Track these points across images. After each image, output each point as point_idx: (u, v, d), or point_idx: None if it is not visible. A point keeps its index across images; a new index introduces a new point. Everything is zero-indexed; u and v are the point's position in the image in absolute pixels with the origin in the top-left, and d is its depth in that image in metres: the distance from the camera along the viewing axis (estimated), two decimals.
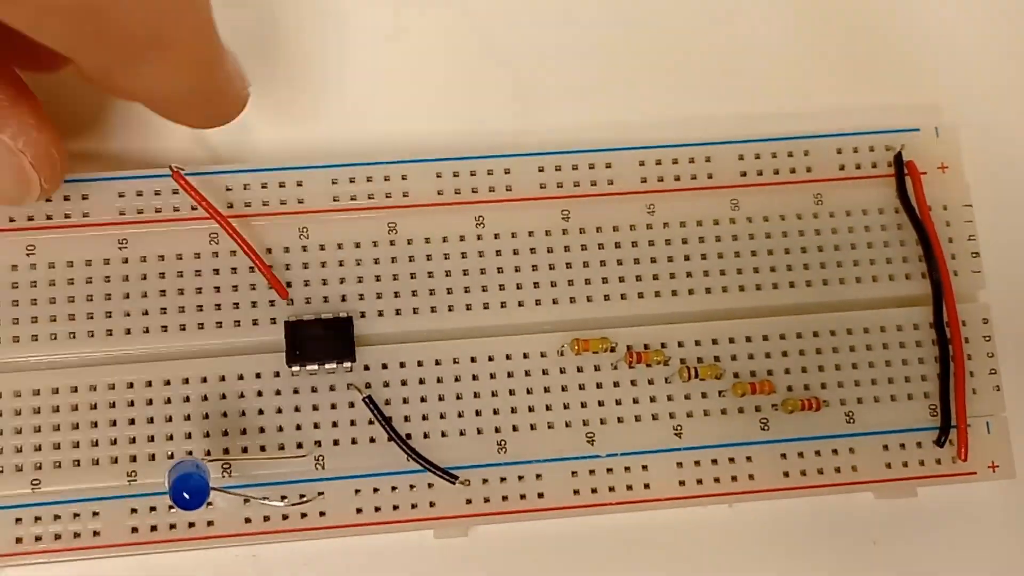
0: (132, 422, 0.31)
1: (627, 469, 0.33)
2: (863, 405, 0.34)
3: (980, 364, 0.34)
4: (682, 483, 0.33)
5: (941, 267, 0.34)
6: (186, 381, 0.31)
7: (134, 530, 0.31)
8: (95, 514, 0.31)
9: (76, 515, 0.31)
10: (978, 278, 0.35)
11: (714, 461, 0.33)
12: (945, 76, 0.37)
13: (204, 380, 0.31)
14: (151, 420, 0.31)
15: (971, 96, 0.37)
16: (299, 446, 0.31)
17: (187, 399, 0.31)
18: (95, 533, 0.31)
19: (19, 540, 0.30)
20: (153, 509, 0.31)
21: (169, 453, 0.31)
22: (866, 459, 0.33)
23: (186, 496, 0.27)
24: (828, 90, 0.37)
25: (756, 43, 0.37)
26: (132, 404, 0.31)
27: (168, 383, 0.31)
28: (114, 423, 0.31)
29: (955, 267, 0.35)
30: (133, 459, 0.31)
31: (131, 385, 0.31)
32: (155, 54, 0.24)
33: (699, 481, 0.33)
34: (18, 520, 0.30)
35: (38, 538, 0.30)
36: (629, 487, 0.32)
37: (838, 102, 0.37)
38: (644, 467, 0.33)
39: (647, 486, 0.33)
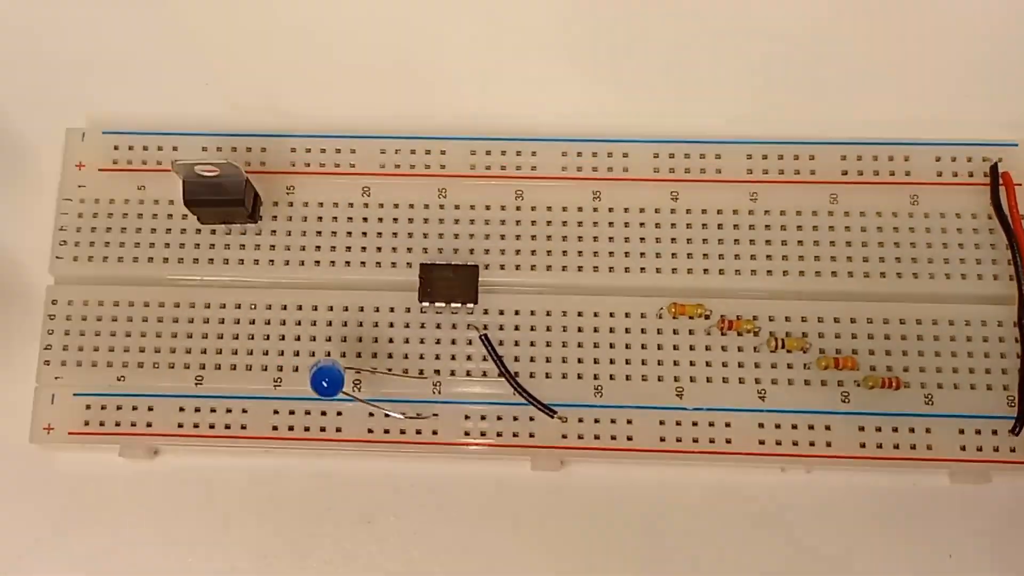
0: (282, 338, 0.36)
1: (711, 424, 0.36)
2: (943, 390, 0.36)
3: None
4: (762, 442, 0.35)
5: None
6: (331, 308, 0.36)
7: (275, 428, 0.36)
8: (244, 411, 0.36)
9: (228, 410, 0.36)
10: None
11: (794, 426, 0.36)
12: None
13: (346, 309, 0.36)
14: (298, 338, 0.36)
15: None
16: (421, 372, 0.36)
17: (330, 323, 0.36)
18: (243, 427, 0.36)
19: (180, 425, 0.36)
20: (292, 412, 0.36)
21: (310, 367, 0.36)
22: (942, 439, 0.35)
23: (325, 384, 0.32)
24: (932, 100, 0.39)
25: (866, 52, 0.40)
26: (284, 323, 0.36)
27: (316, 308, 0.36)
28: (267, 337, 0.36)
29: None
30: (280, 368, 0.36)
31: (284, 307, 0.37)
32: None
33: (778, 443, 0.35)
34: (181, 409, 0.36)
35: (196, 425, 0.35)
36: (712, 440, 0.35)
37: (941, 113, 0.39)
38: (727, 424, 0.36)
39: (728, 441, 0.35)
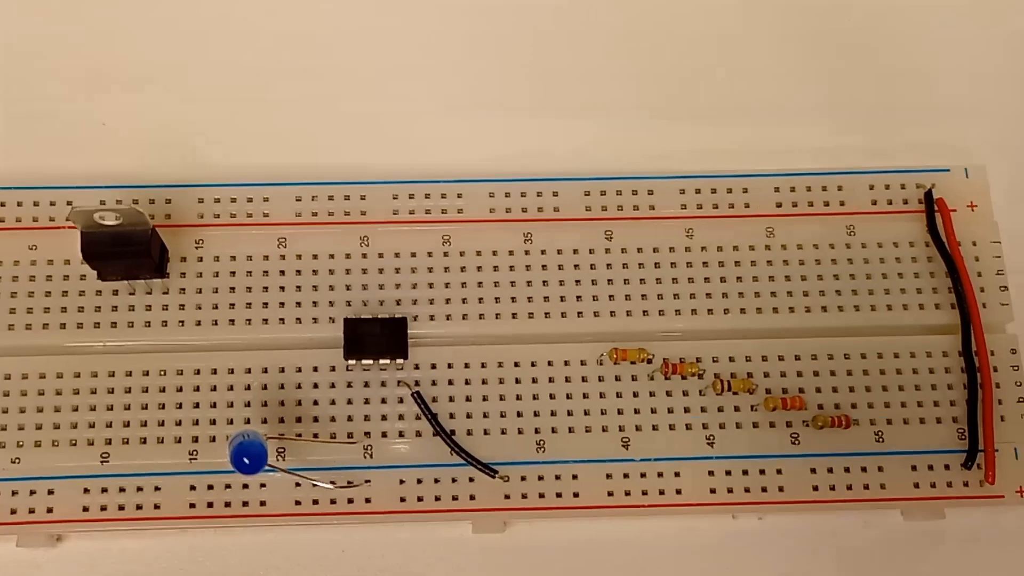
0: (196, 406, 0.33)
1: (660, 475, 0.34)
2: (892, 426, 0.35)
3: (1008, 392, 0.35)
4: (713, 491, 0.34)
5: (969, 298, 0.36)
6: (248, 371, 0.34)
7: (192, 505, 0.33)
8: (157, 488, 0.33)
9: (139, 488, 0.33)
10: (1006, 311, 0.36)
11: (745, 472, 0.34)
12: (973, 118, 0.39)
13: (265, 371, 0.34)
14: (214, 405, 0.33)
15: (999, 138, 0.39)
16: (350, 435, 0.33)
17: (248, 387, 0.34)
18: (156, 506, 0.33)
19: (85, 509, 0.32)
20: (211, 487, 0.33)
21: (228, 436, 0.33)
22: (894, 477, 0.34)
23: (246, 461, 0.29)
24: (861, 129, 0.39)
25: (795, 82, 0.39)
26: (198, 389, 0.34)
27: (231, 371, 0.34)
28: (180, 406, 0.33)
29: (984, 299, 0.36)
30: (195, 439, 0.33)
31: (197, 372, 0.34)
32: None
33: (730, 490, 0.34)
34: (86, 490, 0.33)
35: (103, 508, 0.32)
36: (661, 492, 0.34)
37: (870, 141, 0.39)
38: (676, 473, 0.34)
39: (679, 491, 0.34)
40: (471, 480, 0.33)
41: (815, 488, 0.34)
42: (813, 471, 0.34)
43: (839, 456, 0.35)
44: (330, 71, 0.38)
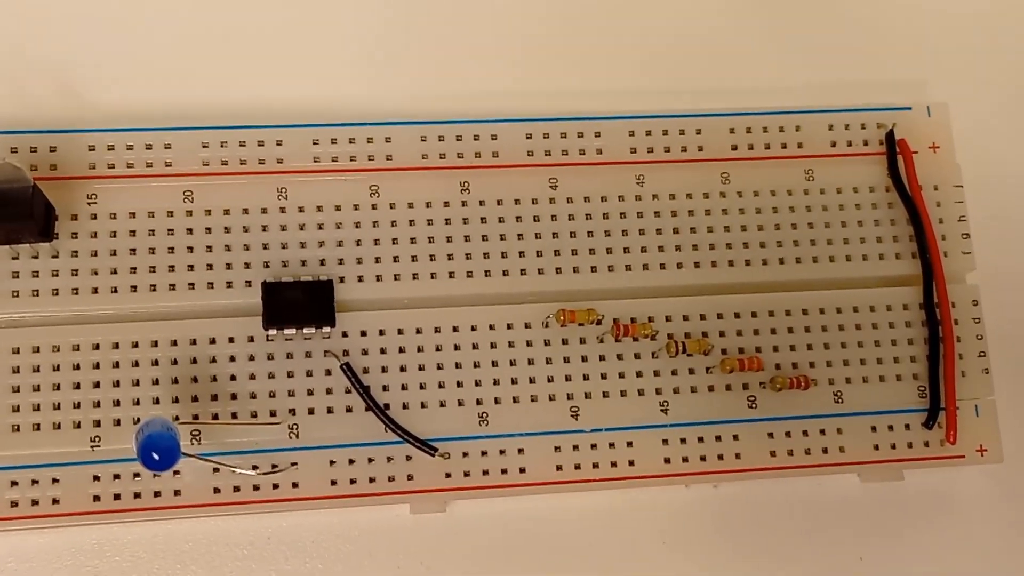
0: (97, 385, 0.30)
1: (611, 445, 0.32)
2: (851, 385, 0.33)
3: (969, 346, 0.34)
4: (667, 460, 0.32)
5: (932, 248, 0.34)
6: (155, 344, 0.30)
7: (96, 498, 0.29)
8: (55, 481, 0.29)
9: (35, 481, 0.29)
10: (968, 259, 0.34)
11: (700, 439, 0.32)
12: (934, 52, 0.37)
13: (174, 343, 0.30)
14: (117, 384, 0.30)
15: (961, 74, 0.36)
16: (273, 414, 0.30)
17: (155, 362, 0.30)
18: (54, 501, 0.29)
19: None
20: (117, 477, 0.29)
21: (135, 419, 0.29)
22: (854, 440, 0.33)
23: (155, 456, 0.26)
24: (820, 65, 0.36)
25: (749, 15, 0.36)
26: (97, 366, 0.30)
27: (136, 345, 0.30)
28: (77, 386, 0.30)
29: (945, 248, 0.34)
30: (97, 424, 0.29)
31: (96, 347, 0.30)
32: None
33: (685, 459, 0.32)
34: None
35: None
36: (613, 464, 0.32)
37: (830, 78, 0.36)
38: (629, 443, 0.32)
39: (632, 463, 0.32)
40: (408, 458, 0.31)
41: (772, 454, 0.33)
42: (771, 436, 0.33)
43: (797, 419, 0.33)
44: (233, 4, 0.33)
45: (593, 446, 0.31)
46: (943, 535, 0.34)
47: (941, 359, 0.33)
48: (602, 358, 0.32)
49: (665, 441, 0.32)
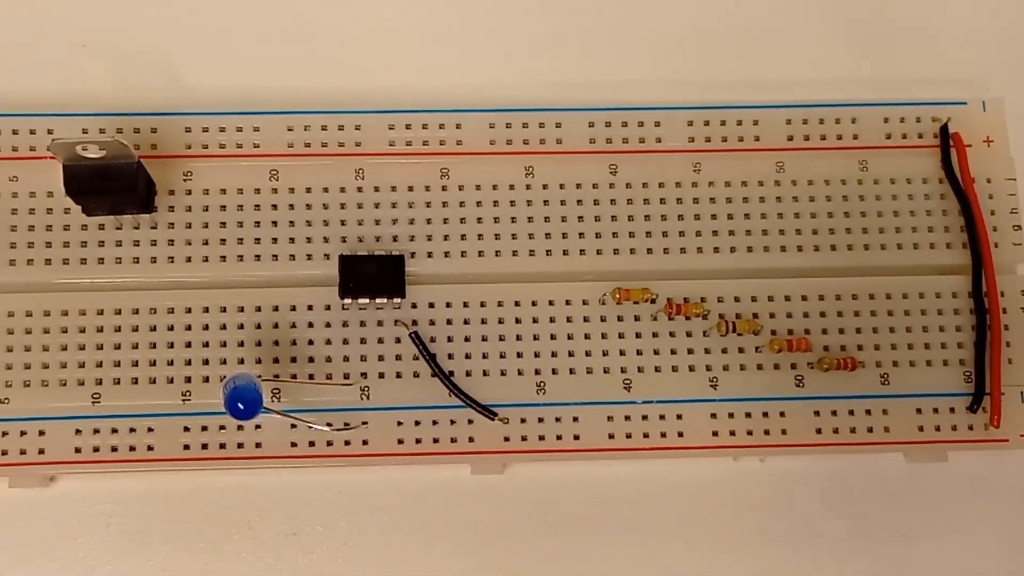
0: (188, 345, 0.32)
1: (662, 417, 0.33)
2: (898, 368, 0.34)
3: (1017, 335, 0.35)
4: (715, 434, 0.33)
5: (982, 238, 0.35)
6: (241, 309, 0.33)
7: (186, 447, 0.32)
8: (150, 430, 0.32)
9: (132, 430, 0.32)
10: (1019, 251, 0.35)
11: (748, 414, 0.34)
12: (992, 51, 0.37)
13: (258, 309, 0.33)
14: (206, 344, 0.32)
15: (1017, 71, 0.37)
16: (346, 377, 0.32)
17: (241, 326, 0.33)
18: (149, 448, 0.32)
19: (77, 450, 0.32)
20: (205, 428, 0.32)
21: (222, 377, 0.32)
22: (899, 421, 0.34)
23: (240, 406, 0.29)
24: (878, 61, 0.37)
25: (809, 9, 0.37)
26: (189, 328, 0.33)
27: (224, 310, 0.33)
28: (171, 345, 0.32)
29: (996, 239, 0.35)
30: (188, 380, 0.32)
31: (189, 310, 0.33)
32: None
33: (732, 433, 0.33)
34: (78, 431, 0.32)
35: (96, 449, 0.32)
36: (663, 434, 0.33)
37: (887, 74, 0.37)
38: (679, 416, 0.33)
39: (681, 434, 0.33)
40: (470, 422, 0.33)
41: (818, 431, 0.34)
42: (817, 414, 0.34)
43: (843, 399, 0.34)
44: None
45: (644, 417, 0.33)
46: (985, 516, 0.34)
47: (988, 346, 0.34)
48: (655, 335, 0.34)
49: (713, 415, 0.33)
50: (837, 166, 0.35)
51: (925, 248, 0.35)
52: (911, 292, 0.35)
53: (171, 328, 0.32)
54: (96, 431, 0.32)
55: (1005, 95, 0.36)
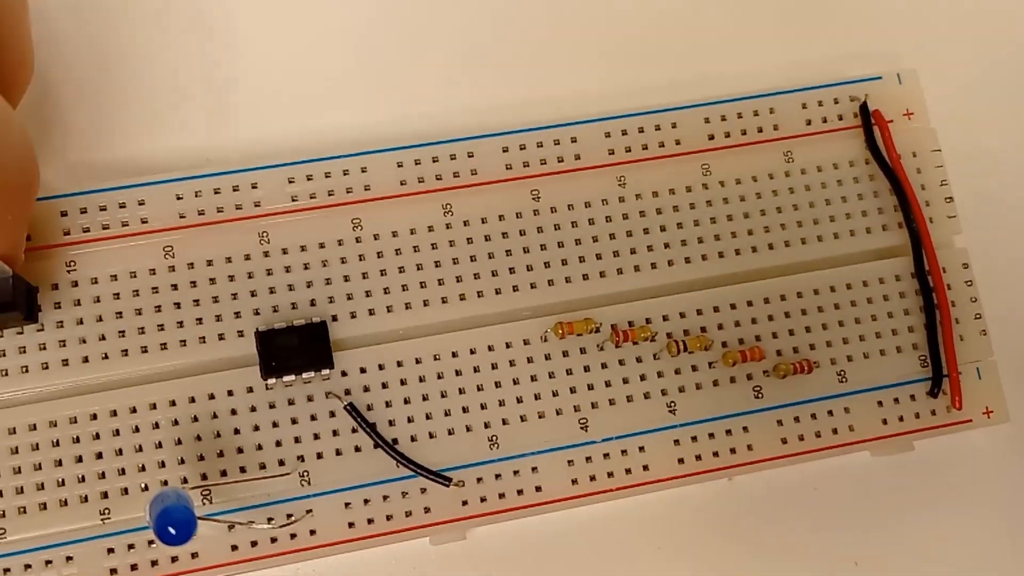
0: (99, 456, 0.29)
1: (624, 452, 0.31)
2: (853, 363, 0.33)
3: (965, 310, 0.34)
4: (681, 461, 0.32)
5: (917, 215, 0.34)
6: (153, 406, 0.29)
7: (113, 572, 0.29)
8: (69, 559, 0.29)
9: (48, 562, 0.28)
10: (953, 223, 0.34)
11: (711, 435, 0.32)
12: (900, 20, 0.36)
13: (173, 403, 0.30)
14: (120, 452, 0.29)
15: (928, 39, 0.36)
16: (281, 463, 0.30)
17: (156, 425, 0.29)
18: None
19: None
20: (132, 547, 0.29)
21: (143, 485, 0.29)
22: (862, 417, 0.33)
23: (172, 531, 0.25)
24: (784, 44, 0.36)
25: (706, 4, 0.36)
26: (97, 437, 0.29)
27: (134, 410, 0.29)
28: (80, 459, 0.29)
29: (930, 214, 0.34)
30: (104, 495, 0.29)
31: (94, 416, 0.29)
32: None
33: (698, 457, 0.32)
34: None
35: None
36: (628, 471, 0.31)
37: (796, 56, 0.36)
38: (641, 448, 0.32)
39: (646, 468, 0.32)
40: (423, 491, 0.30)
41: (784, 441, 0.32)
42: (780, 423, 0.32)
43: (804, 404, 0.33)
44: (203, 50, 0.32)
45: (606, 455, 0.31)
46: (958, 498, 0.34)
47: (938, 326, 0.33)
48: (604, 366, 0.32)
49: (676, 442, 0.32)
50: (762, 161, 0.34)
51: (862, 234, 0.34)
52: (854, 282, 0.34)
53: (76, 440, 0.29)
54: (7, 571, 0.28)
55: (917, 65, 0.35)
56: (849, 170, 0.34)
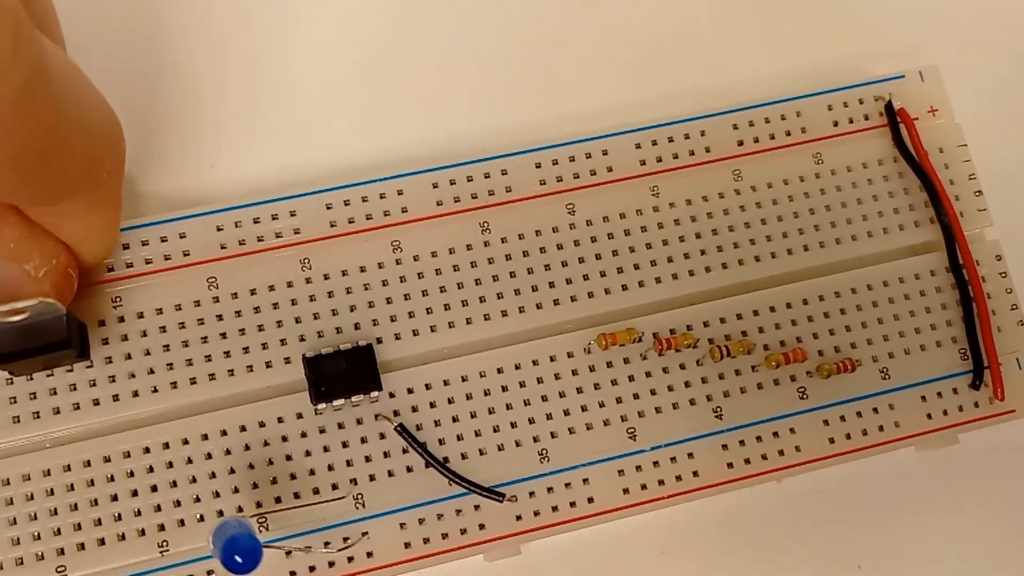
0: (154, 489, 0.29)
1: (673, 460, 0.32)
2: (895, 359, 0.33)
3: (1001, 301, 0.34)
4: (730, 465, 0.32)
5: (948, 210, 0.34)
6: (205, 437, 0.30)
7: None
8: None
9: None
10: (984, 216, 0.35)
11: (759, 438, 0.32)
12: (917, 17, 0.37)
13: (224, 433, 0.30)
14: (174, 484, 0.29)
15: (948, 35, 0.37)
16: (334, 487, 0.30)
17: (209, 456, 0.29)
18: None
19: None
20: None
21: (199, 516, 0.29)
22: (907, 413, 0.33)
23: (239, 560, 0.25)
24: (807, 47, 0.36)
25: (730, 7, 0.36)
26: (151, 470, 0.29)
27: (186, 442, 0.29)
28: (135, 492, 0.29)
29: (960, 208, 0.34)
30: (162, 528, 0.29)
31: (147, 450, 0.29)
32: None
33: (747, 461, 0.32)
34: None
35: None
36: (678, 478, 0.31)
37: (819, 58, 0.36)
38: (690, 455, 0.32)
39: (696, 474, 0.32)
40: (477, 508, 0.30)
41: (831, 441, 0.33)
42: (826, 423, 0.33)
43: (849, 403, 0.33)
44: (234, 88, 0.33)
45: (655, 464, 0.31)
46: (1002, 488, 0.34)
47: (976, 319, 0.33)
48: (649, 375, 0.32)
49: (725, 446, 0.32)
50: (792, 164, 0.34)
51: (894, 231, 0.34)
52: (891, 279, 0.34)
53: (131, 474, 0.29)
54: None
55: (939, 61, 0.35)
56: (878, 169, 0.34)
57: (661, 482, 0.31)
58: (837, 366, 0.32)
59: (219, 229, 0.31)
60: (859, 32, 0.36)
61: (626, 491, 0.31)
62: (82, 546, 0.28)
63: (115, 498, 0.29)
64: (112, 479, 0.29)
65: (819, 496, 0.33)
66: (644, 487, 0.31)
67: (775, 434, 0.32)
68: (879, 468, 0.34)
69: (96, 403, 0.29)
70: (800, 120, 0.34)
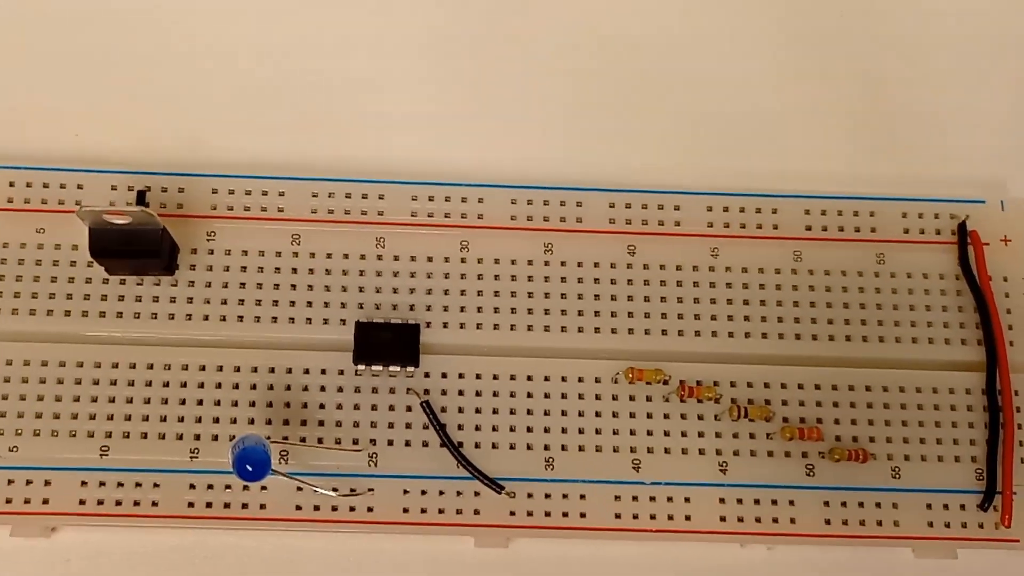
0: (200, 403, 0.32)
1: (669, 499, 0.33)
2: (909, 462, 0.34)
3: None
4: (723, 519, 0.33)
5: (997, 335, 0.35)
6: (255, 370, 0.33)
7: (190, 504, 0.32)
8: (156, 485, 0.32)
9: (138, 484, 0.32)
10: None
11: (757, 501, 0.33)
12: (1012, 151, 0.38)
13: (272, 370, 0.33)
14: (218, 403, 0.33)
15: None
16: (355, 442, 0.32)
17: (253, 386, 0.33)
18: (154, 503, 0.32)
19: (82, 502, 0.32)
20: (211, 487, 0.32)
21: (231, 436, 0.32)
22: (909, 515, 0.34)
23: (249, 468, 0.29)
24: (898, 156, 0.38)
25: (833, 103, 0.38)
26: (202, 386, 0.33)
27: (238, 369, 0.33)
28: (183, 402, 0.32)
29: (1011, 337, 0.35)
30: (197, 437, 0.32)
31: (203, 368, 0.33)
32: None
33: (740, 519, 0.33)
34: (83, 483, 0.32)
35: (100, 502, 0.32)
36: (670, 517, 0.33)
37: (904, 170, 0.37)
38: (687, 499, 0.33)
39: (688, 518, 0.33)
40: (476, 494, 0.33)
41: (827, 522, 0.33)
42: (826, 504, 0.34)
43: (854, 491, 0.34)
44: (351, 67, 0.37)
45: (652, 498, 0.33)
46: None
47: (1000, 444, 0.34)
48: (666, 416, 0.34)
49: (722, 500, 0.33)
50: (854, 258, 0.36)
51: (940, 343, 0.35)
52: (924, 386, 0.35)
53: (184, 385, 0.33)
54: (102, 484, 0.32)
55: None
56: (938, 282, 0.35)
57: (653, 516, 0.33)
58: (849, 453, 0.34)
59: (314, 195, 0.34)
60: (951, 150, 0.37)
61: (618, 516, 0.33)
62: (127, 434, 0.32)
63: (165, 401, 0.32)
64: (167, 385, 0.33)
65: (809, 572, 0.34)
66: (636, 517, 0.33)
67: (774, 501, 0.33)
68: (874, 561, 0.34)
69: (171, 317, 0.33)
70: (872, 220, 0.36)
